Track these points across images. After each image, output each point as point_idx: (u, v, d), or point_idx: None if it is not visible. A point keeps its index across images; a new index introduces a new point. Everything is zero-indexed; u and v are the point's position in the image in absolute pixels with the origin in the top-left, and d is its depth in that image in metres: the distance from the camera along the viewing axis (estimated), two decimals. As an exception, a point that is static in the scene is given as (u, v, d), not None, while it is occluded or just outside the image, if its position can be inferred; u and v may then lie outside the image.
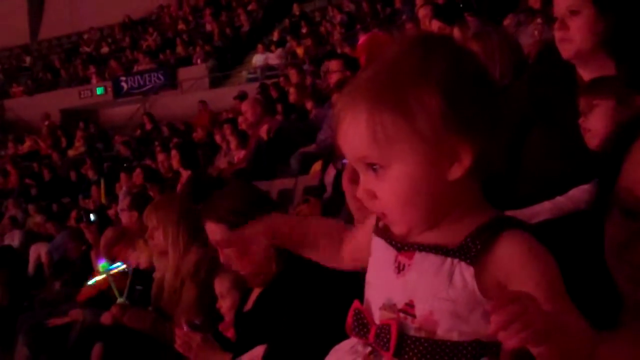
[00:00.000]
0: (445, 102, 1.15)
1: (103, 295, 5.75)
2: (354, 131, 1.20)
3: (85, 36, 26.54)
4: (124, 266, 5.12)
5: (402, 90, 1.16)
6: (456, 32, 5.46)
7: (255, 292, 3.07)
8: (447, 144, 1.16)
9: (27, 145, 19.81)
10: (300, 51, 17.63)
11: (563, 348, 1.07)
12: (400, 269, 1.24)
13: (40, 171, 16.81)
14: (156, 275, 4.51)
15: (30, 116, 21.76)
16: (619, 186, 1.29)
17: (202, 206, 3.22)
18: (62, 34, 27.43)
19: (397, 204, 1.21)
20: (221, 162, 9.28)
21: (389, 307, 1.24)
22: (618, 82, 2.42)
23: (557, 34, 2.66)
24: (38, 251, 10.95)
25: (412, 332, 1.20)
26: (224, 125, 9.85)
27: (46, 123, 20.37)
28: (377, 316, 1.26)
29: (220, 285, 3.43)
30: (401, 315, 1.22)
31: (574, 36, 2.60)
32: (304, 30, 18.78)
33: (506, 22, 6.52)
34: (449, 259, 1.19)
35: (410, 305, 1.21)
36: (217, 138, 10.52)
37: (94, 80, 23.02)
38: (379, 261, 1.30)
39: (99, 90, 22.55)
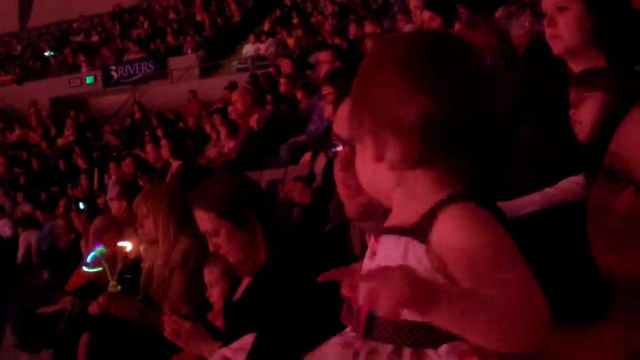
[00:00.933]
0: (383, 106, 1.26)
1: (91, 285, 5.76)
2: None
3: (75, 24, 26.39)
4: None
5: (365, 89, 1.30)
6: (457, 27, 5.46)
7: (245, 282, 3.07)
8: (379, 138, 1.27)
9: (16, 134, 19.72)
10: (291, 42, 17.59)
11: (461, 319, 1.10)
12: (373, 254, 1.30)
13: (29, 160, 16.75)
14: (144, 264, 4.50)
15: (20, 105, 21.64)
16: (608, 152, 1.31)
17: (192, 194, 3.21)
18: (52, 21, 27.27)
19: (359, 177, 1.37)
20: (211, 152, 9.26)
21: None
22: (608, 74, 2.43)
23: (547, 31, 2.68)
24: (29, 239, 10.90)
25: (379, 314, 1.22)
26: (214, 115, 9.83)
27: (32, 110, 20.26)
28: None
29: (210, 274, 3.43)
30: None
31: (563, 33, 2.62)
32: (294, 21, 18.73)
33: (497, 14, 6.52)
34: (403, 238, 1.22)
35: None
36: (207, 128, 10.50)
37: (83, 69, 22.91)
38: (367, 253, 1.35)
39: (89, 79, 22.43)
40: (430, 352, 1.18)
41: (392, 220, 1.29)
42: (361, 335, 1.24)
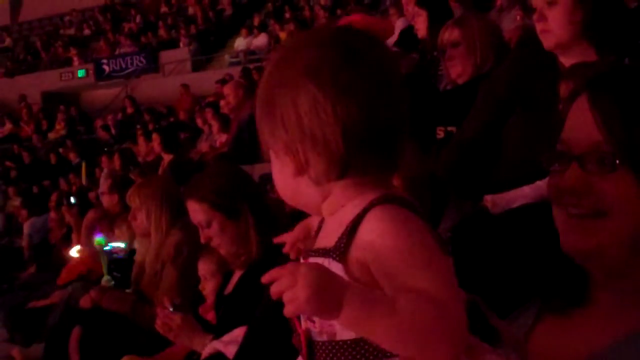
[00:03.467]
0: (297, 120, 1.18)
1: (82, 279, 5.74)
2: None
3: (67, 18, 26.26)
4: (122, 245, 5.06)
5: (274, 101, 1.23)
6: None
7: (236, 275, 3.07)
8: (298, 153, 1.21)
9: (7, 127, 19.63)
10: (283, 35, 17.55)
11: (360, 324, 1.07)
12: None
13: (20, 154, 16.70)
14: (137, 257, 4.50)
15: (11, 98, 21.53)
16: (558, 140, 1.38)
17: (185, 186, 3.21)
18: (43, 15, 27.13)
19: (280, 191, 1.33)
20: (203, 146, 9.25)
21: (303, 317, 1.24)
22: (598, 68, 2.44)
23: (537, 26, 2.69)
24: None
25: (317, 338, 1.20)
26: (206, 109, 9.82)
27: (22, 104, 20.17)
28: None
29: (204, 268, 3.43)
30: (309, 322, 1.22)
31: (553, 27, 2.62)
32: (287, 15, 18.70)
33: (498, 1, 6.56)
34: (325, 259, 1.18)
35: None
36: (199, 122, 10.48)
37: (75, 63, 22.81)
38: None
39: (80, 73, 22.33)
40: None
41: (320, 238, 1.25)
42: None
